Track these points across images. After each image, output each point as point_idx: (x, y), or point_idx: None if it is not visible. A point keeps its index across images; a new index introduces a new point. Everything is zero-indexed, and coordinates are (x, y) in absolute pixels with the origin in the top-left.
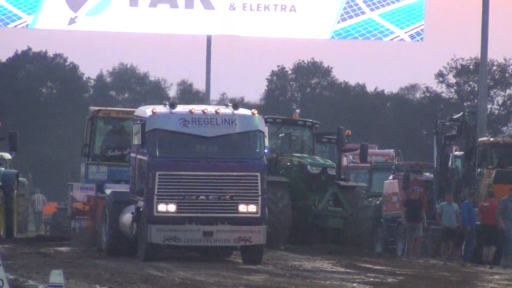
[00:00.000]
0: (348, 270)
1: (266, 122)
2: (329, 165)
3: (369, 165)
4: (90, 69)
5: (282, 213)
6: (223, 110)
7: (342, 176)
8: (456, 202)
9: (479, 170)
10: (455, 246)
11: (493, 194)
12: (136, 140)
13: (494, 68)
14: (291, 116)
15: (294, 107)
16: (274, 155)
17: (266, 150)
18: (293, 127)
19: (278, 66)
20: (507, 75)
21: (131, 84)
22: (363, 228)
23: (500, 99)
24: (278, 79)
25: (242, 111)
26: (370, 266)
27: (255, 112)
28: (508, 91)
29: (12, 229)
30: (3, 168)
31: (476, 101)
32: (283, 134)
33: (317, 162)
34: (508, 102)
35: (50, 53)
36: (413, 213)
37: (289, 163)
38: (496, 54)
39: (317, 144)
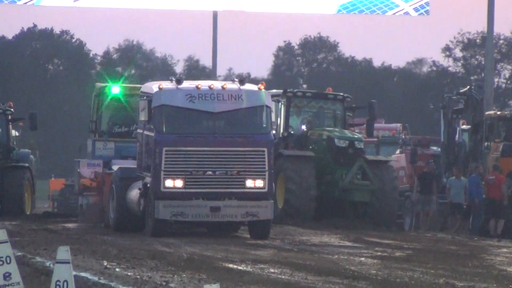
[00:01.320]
0: (355, 245)
1: (295, 95)
2: (357, 138)
3: (376, 139)
4: (96, 46)
5: (306, 191)
6: (230, 85)
7: None
8: (464, 176)
9: (486, 143)
10: (463, 220)
11: (498, 168)
12: (142, 116)
13: (501, 42)
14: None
15: (301, 82)
16: (305, 130)
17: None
18: (323, 101)
19: (284, 41)
20: None
21: (138, 60)
22: (390, 202)
23: (507, 73)
24: (284, 54)
25: (248, 86)
26: (377, 240)
27: (262, 87)
28: None
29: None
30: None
31: (483, 75)
32: (315, 109)
33: (345, 136)
34: None
35: (57, 30)
36: (426, 186)
37: (318, 137)
38: (502, 28)
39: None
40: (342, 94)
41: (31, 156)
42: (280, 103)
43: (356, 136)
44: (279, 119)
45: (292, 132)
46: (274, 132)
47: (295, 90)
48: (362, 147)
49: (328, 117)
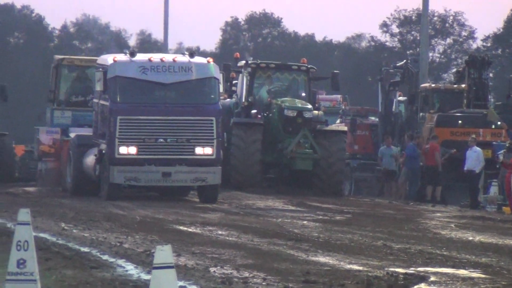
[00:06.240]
0: (298, 209)
1: (259, 66)
2: (305, 108)
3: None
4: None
5: (251, 156)
6: (180, 58)
7: None
8: (400, 144)
9: (421, 114)
10: (397, 185)
11: (436, 138)
12: (98, 87)
13: (435, 18)
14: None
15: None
16: (269, 99)
17: (221, 97)
18: (288, 72)
19: (231, 17)
20: (447, 25)
21: (94, 34)
22: (335, 171)
23: (441, 48)
24: (231, 29)
25: (198, 59)
26: (319, 204)
27: (211, 60)
28: (448, 40)
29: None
30: None
31: (418, 49)
32: (279, 80)
33: (294, 106)
34: (448, 50)
35: (17, 5)
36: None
37: (273, 107)
38: (436, 6)
39: None
40: (306, 65)
41: None
42: (243, 74)
43: (305, 106)
44: (241, 89)
45: (250, 101)
46: (234, 100)
47: (259, 62)
48: (311, 116)
49: (292, 87)
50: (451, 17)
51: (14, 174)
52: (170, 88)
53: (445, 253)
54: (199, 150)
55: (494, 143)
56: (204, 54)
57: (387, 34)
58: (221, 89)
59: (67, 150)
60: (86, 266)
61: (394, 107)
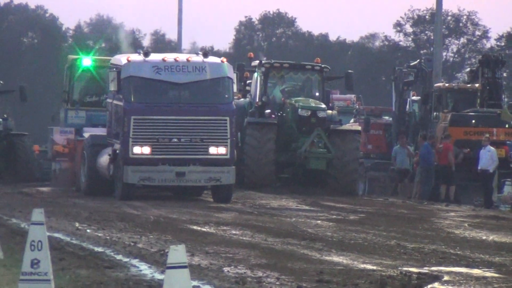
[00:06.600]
0: (312, 208)
1: (272, 66)
2: (319, 108)
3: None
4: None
5: (264, 156)
6: (194, 58)
7: None
8: (414, 144)
9: (435, 114)
10: (411, 184)
11: (449, 137)
12: (112, 87)
13: (449, 18)
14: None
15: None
16: (283, 99)
17: (235, 97)
18: (302, 72)
19: (245, 17)
20: (460, 24)
21: (108, 34)
22: (349, 171)
23: (454, 47)
24: (245, 29)
25: (211, 59)
26: (333, 204)
27: (224, 60)
28: (461, 40)
29: None
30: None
31: (432, 49)
32: (293, 80)
33: (308, 105)
34: (462, 49)
35: (31, 5)
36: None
37: (287, 107)
38: (450, 5)
39: None
40: (320, 64)
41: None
42: (256, 74)
43: (319, 106)
44: (255, 89)
45: (264, 100)
46: (248, 100)
47: (273, 61)
48: (325, 116)
49: (306, 87)
50: (465, 17)
51: (34, 174)
52: (184, 88)
53: (458, 252)
54: (213, 150)
55: (508, 142)
56: (218, 54)
57: (401, 34)
58: (235, 89)
59: (81, 150)
60: (100, 266)
61: (408, 106)
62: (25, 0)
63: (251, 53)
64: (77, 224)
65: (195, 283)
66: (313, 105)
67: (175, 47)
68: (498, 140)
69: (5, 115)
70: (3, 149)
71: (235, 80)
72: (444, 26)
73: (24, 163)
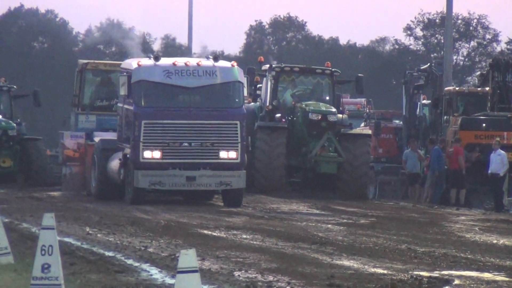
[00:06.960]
0: (323, 212)
1: (283, 70)
2: (329, 112)
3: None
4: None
5: (275, 160)
6: (204, 62)
7: None
8: (425, 148)
9: (445, 117)
10: (421, 188)
11: (460, 140)
12: (122, 91)
13: (459, 21)
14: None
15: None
16: (293, 103)
17: (245, 101)
18: (312, 76)
19: (256, 20)
20: (471, 28)
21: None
22: (359, 175)
23: (464, 51)
24: (256, 33)
25: (222, 63)
26: (343, 208)
27: (235, 64)
28: (472, 43)
29: None
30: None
31: (442, 52)
32: (304, 84)
33: (318, 109)
34: (472, 53)
35: (42, 10)
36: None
37: (298, 111)
38: (460, 9)
39: None
40: (330, 68)
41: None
42: (267, 78)
43: (330, 110)
44: (266, 93)
45: (275, 104)
46: (258, 104)
47: (283, 65)
48: (335, 120)
49: (316, 91)
50: (475, 20)
51: (48, 179)
52: (194, 92)
53: (469, 256)
54: (223, 154)
55: None
56: (228, 58)
57: (411, 37)
58: (245, 93)
59: (91, 154)
60: (110, 271)
61: (418, 110)
62: (36, 5)
63: (262, 57)
64: (87, 229)
65: (205, 287)
66: (324, 109)
67: (185, 51)
68: (509, 143)
69: (18, 120)
70: (16, 153)
71: (245, 84)
72: (454, 30)
73: (38, 168)
